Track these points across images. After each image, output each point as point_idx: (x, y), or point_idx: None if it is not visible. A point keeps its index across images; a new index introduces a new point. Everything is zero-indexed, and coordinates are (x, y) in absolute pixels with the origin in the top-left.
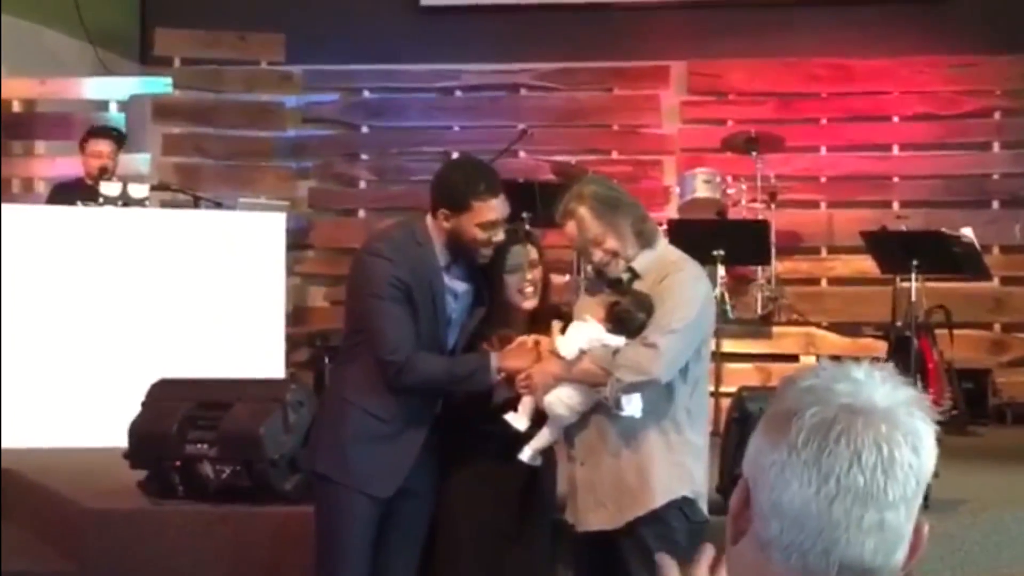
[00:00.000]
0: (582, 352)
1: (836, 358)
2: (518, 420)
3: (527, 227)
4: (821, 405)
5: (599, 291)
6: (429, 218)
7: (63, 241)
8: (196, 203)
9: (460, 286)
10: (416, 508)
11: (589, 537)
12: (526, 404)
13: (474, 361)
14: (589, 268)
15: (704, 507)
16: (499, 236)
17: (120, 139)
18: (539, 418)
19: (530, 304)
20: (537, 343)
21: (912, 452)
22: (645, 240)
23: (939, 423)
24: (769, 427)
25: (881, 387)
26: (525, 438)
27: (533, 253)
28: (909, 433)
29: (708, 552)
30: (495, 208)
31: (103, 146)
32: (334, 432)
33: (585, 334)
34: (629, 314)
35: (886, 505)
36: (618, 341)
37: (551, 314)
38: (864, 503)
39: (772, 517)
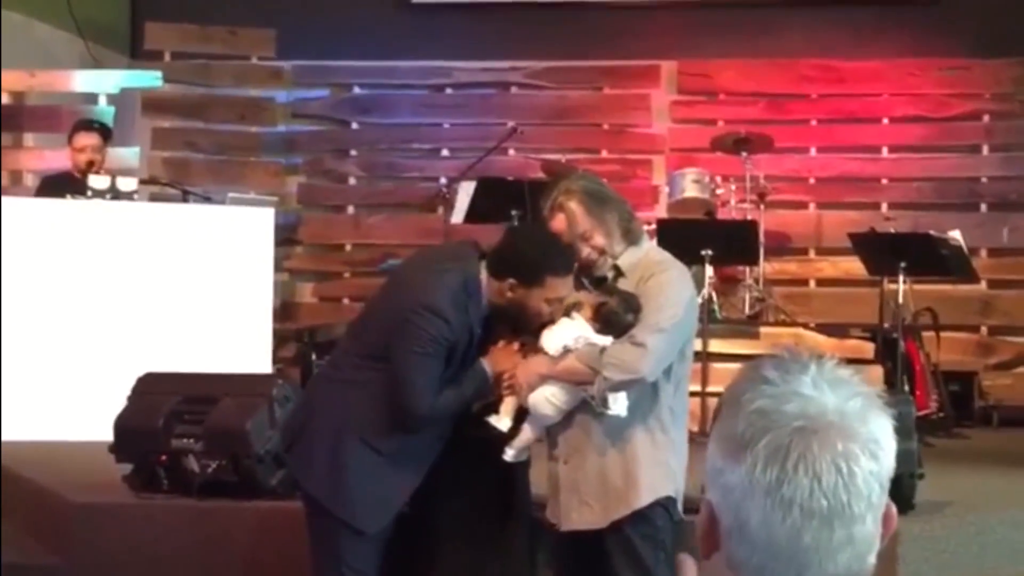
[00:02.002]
0: (567, 349)
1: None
2: (500, 421)
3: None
4: (774, 431)
5: (582, 286)
6: (485, 273)
7: (51, 234)
8: (185, 197)
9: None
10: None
11: (572, 536)
12: (508, 404)
13: (476, 376)
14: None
15: (680, 507)
16: (559, 309)
17: (106, 132)
18: (520, 417)
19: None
20: (523, 345)
21: (871, 459)
22: (631, 238)
23: (925, 424)
24: (724, 449)
25: (832, 397)
26: (505, 439)
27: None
28: (867, 442)
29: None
30: (567, 283)
31: (89, 139)
32: (330, 458)
33: (572, 332)
34: (617, 315)
35: (853, 520)
36: (605, 341)
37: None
38: (831, 524)
39: (740, 542)
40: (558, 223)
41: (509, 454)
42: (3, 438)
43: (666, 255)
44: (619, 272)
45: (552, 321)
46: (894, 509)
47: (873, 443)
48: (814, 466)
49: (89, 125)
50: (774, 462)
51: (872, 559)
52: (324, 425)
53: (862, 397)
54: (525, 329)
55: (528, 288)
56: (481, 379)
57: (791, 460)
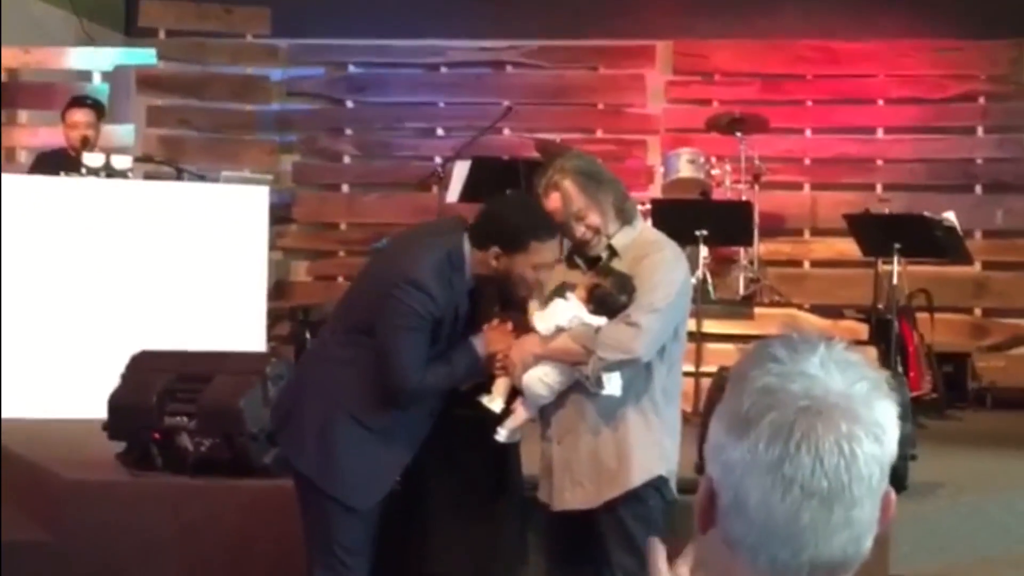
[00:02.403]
0: (560, 329)
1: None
2: (493, 401)
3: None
4: (778, 410)
5: (576, 265)
6: (468, 244)
7: (45, 211)
8: (179, 175)
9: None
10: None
11: (564, 516)
12: (500, 385)
13: (466, 354)
14: (567, 244)
15: (674, 486)
16: (546, 277)
17: (99, 109)
18: (513, 397)
19: (522, 294)
20: (516, 325)
21: (874, 443)
22: (625, 218)
23: (918, 405)
24: (727, 424)
25: (839, 378)
26: (498, 419)
27: (557, 254)
28: (871, 425)
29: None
30: (552, 248)
31: (82, 116)
32: (321, 437)
33: (565, 313)
34: (611, 296)
35: (852, 503)
36: (599, 321)
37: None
38: (830, 505)
39: (738, 518)
40: (553, 202)
41: (502, 434)
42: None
43: (660, 235)
44: (613, 252)
45: (536, 291)
46: (894, 495)
47: (877, 427)
48: (817, 446)
49: (82, 101)
50: (777, 440)
51: (868, 543)
52: (313, 404)
53: (869, 381)
54: (513, 299)
55: (512, 255)
56: (472, 358)
57: (794, 439)
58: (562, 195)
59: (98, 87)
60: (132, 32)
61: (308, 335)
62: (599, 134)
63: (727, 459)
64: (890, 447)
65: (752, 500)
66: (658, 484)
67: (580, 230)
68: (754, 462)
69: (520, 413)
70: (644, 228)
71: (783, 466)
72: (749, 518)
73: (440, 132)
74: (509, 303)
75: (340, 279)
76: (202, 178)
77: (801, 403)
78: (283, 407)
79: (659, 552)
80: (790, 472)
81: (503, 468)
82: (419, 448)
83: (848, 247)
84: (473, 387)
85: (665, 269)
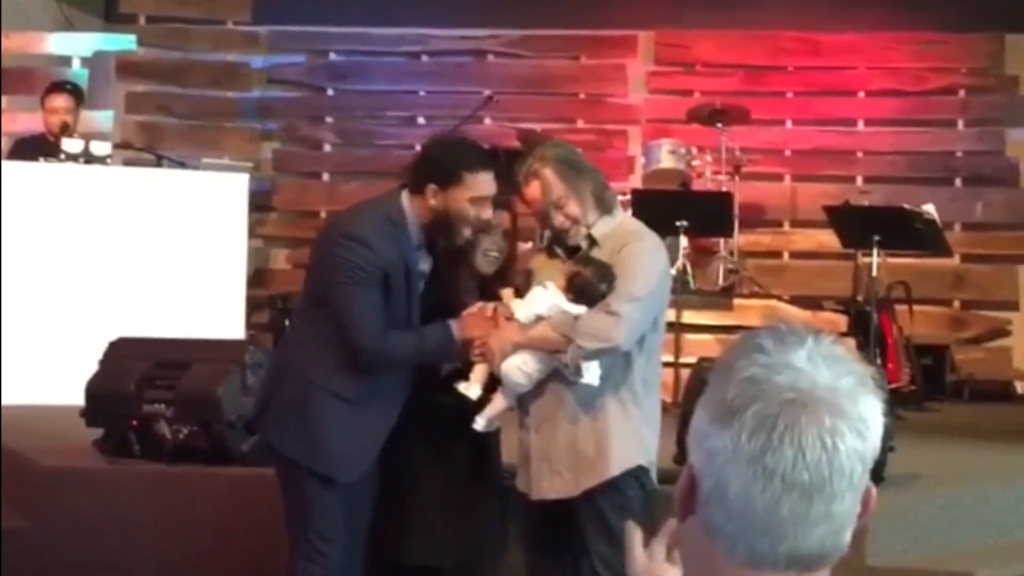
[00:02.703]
0: (539, 318)
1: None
2: (470, 389)
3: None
4: (763, 401)
5: (556, 255)
6: (405, 197)
7: (23, 197)
8: (159, 162)
9: (425, 263)
10: (364, 483)
11: (543, 506)
12: (478, 372)
13: (439, 332)
14: (547, 234)
15: (654, 476)
16: (488, 214)
17: (78, 94)
18: (491, 386)
19: (488, 270)
20: (495, 310)
21: (857, 438)
22: (604, 207)
23: (896, 397)
24: (712, 413)
25: (825, 372)
26: (476, 407)
27: (507, 222)
28: (855, 420)
29: (670, 526)
30: (487, 182)
31: (60, 101)
32: (300, 416)
33: (545, 301)
34: (591, 285)
35: (832, 497)
36: (578, 310)
37: (500, 284)
38: (810, 499)
39: (718, 508)
40: (532, 190)
41: (480, 423)
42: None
43: (640, 225)
44: (593, 241)
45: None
46: (874, 491)
47: (861, 422)
48: (800, 439)
49: (61, 87)
50: (760, 431)
51: (847, 537)
52: (289, 385)
53: (855, 376)
54: (454, 242)
55: (447, 190)
56: (445, 337)
57: (777, 431)
58: (541, 183)
59: (77, 72)
60: (112, 18)
61: (287, 323)
62: (580, 124)
63: (710, 447)
64: (873, 443)
65: (732, 490)
66: (637, 473)
67: (559, 219)
68: (736, 452)
69: (498, 401)
70: (624, 218)
71: (765, 457)
72: (729, 507)
73: (421, 120)
74: (488, 293)
75: None
76: (181, 165)
77: (786, 395)
78: (262, 395)
79: (636, 536)
80: (772, 463)
81: (483, 457)
82: (399, 438)
83: (828, 239)
84: (451, 373)
85: (645, 258)
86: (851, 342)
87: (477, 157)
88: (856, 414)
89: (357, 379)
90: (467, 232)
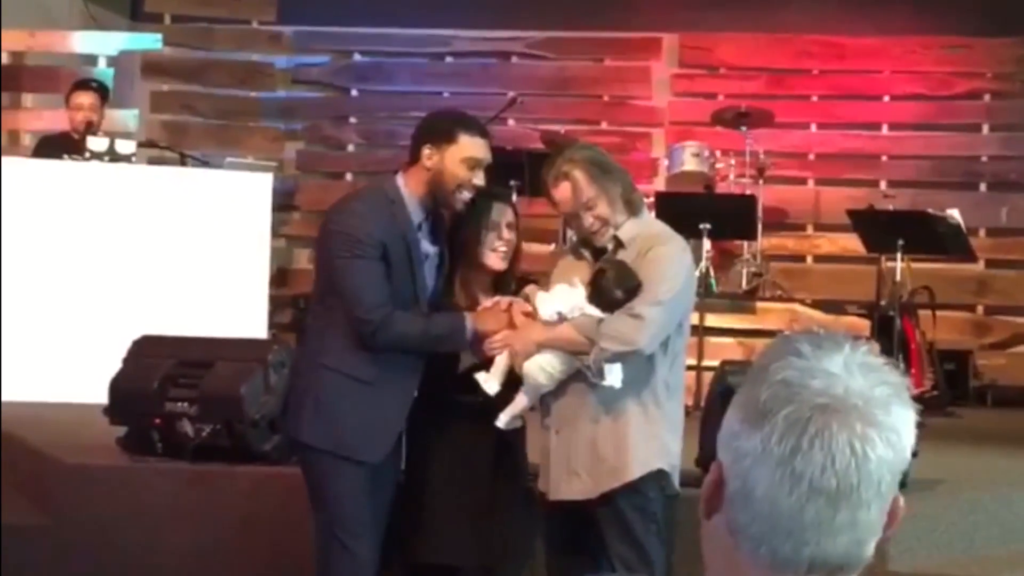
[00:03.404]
0: (560, 316)
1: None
2: (489, 382)
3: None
4: (795, 404)
5: (582, 257)
6: (400, 176)
7: (48, 194)
8: (183, 161)
9: (429, 248)
10: (385, 473)
11: (562, 507)
12: (499, 366)
13: (450, 321)
14: (573, 237)
15: (676, 481)
16: (480, 180)
17: (104, 92)
18: (509, 382)
19: (500, 266)
20: (510, 305)
21: (887, 447)
22: (632, 209)
23: (919, 402)
24: (743, 413)
25: (860, 380)
26: (499, 405)
27: (512, 216)
28: (885, 430)
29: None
30: (481, 146)
31: (86, 99)
32: (315, 400)
33: (568, 299)
34: (608, 290)
35: (859, 504)
36: (596, 313)
37: (516, 281)
38: (836, 505)
39: (743, 507)
40: (562, 191)
41: (502, 420)
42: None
43: (666, 228)
44: (619, 244)
45: (481, 203)
46: (902, 502)
47: (892, 432)
48: (830, 444)
49: (87, 84)
50: (791, 434)
51: (871, 549)
52: (305, 374)
53: (890, 387)
54: (450, 207)
55: (441, 150)
56: (456, 326)
57: (808, 435)
58: (571, 184)
59: (103, 71)
60: (138, 17)
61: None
62: (604, 126)
63: (739, 447)
64: (903, 454)
65: (759, 491)
66: (657, 477)
67: (588, 220)
68: (765, 453)
69: (521, 400)
70: (650, 220)
71: (794, 460)
72: (754, 509)
73: None
74: (502, 289)
75: None
76: (205, 164)
77: (819, 400)
78: (286, 395)
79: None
80: (800, 467)
81: (507, 458)
82: (420, 435)
83: (851, 243)
84: (470, 368)
85: (670, 262)
86: (874, 348)
87: (473, 122)
88: (888, 424)
89: (369, 360)
90: (463, 195)
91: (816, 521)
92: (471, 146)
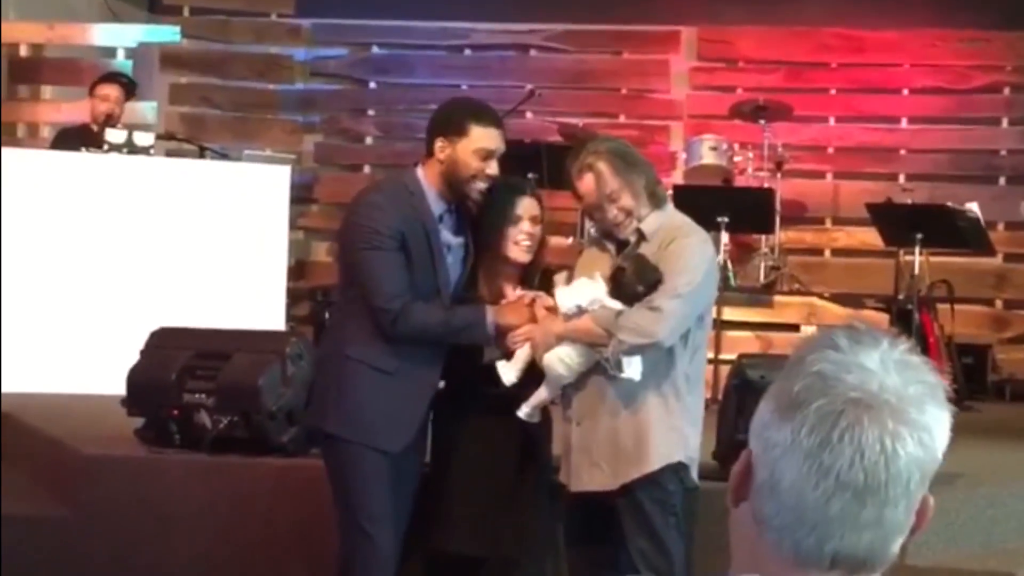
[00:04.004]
0: (580, 309)
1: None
2: (507, 371)
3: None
4: (828, 397)
5: (605, 249)
6: (419, 168)
7: (66, 186)
8: (201, 154)
9: (452, 239)
10: (408, 464)
11: (583, 498)
12: (519, 358)
13: (471, 313)
14: (593, 230)
15: (695, 474)
16: (494, 169)
17: (130, 87)
18: (531, 375)
19: (524, 259)
20: (533, 300)
21: (918, 446)
22: (656, 202)
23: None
24: (776, 404)
25: (895, 377)
26: (525, 399)
27: (536, 208)
28: (918, 428)
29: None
30: (493, 137)
31: (111, 91)
32: (339, 390)
33: (588, 292)
34: (628, 283)
35: (886, 502)
36: (616, 306)
37: (542, 274)
38: (862, 500)
39: (769, 498)
40: (586, 183)
41: (523, 411)
42: (16, 390)
43: (688, 220)
44: (642, 236)
45: (504, 196)
46: (931, 502)
47: (925, 431)
48: (860, 439)
49: (114, 77)
50: (821, 427)
51: (896, 547)
52: (327, 366)
53: (925, 386)
54: (465, 198)
55: (454, 141)
56: (477, 318)
57: (838, 429)
58: (596, 176)
59: (122, 64)
60: (156, 9)
61: (327, 315)
62: (622, 119)
63: (769, 437)
64: (934, 455)
65: (785, 482)
66: (677, 469)
67: (613, 212)
68: (795, 445)
69: (542, 392)
70: (673, 213)
71: (823, 453)
72: (780, 500)
73: None
74: (528, 281)
75: None
76: (224, 156)
77: (852, 394)
78: (310, 385)
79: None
80: (829, 461)
81: (532, 450)
82: (444, 426)
83: (870, 236)
84: (497, 359)
85: (690, 254)
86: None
87: (484, 112)
88: (921, 422)
89: (390, 351)
90: (478, 186)
91: (841, 516)
92: (483, 137)
